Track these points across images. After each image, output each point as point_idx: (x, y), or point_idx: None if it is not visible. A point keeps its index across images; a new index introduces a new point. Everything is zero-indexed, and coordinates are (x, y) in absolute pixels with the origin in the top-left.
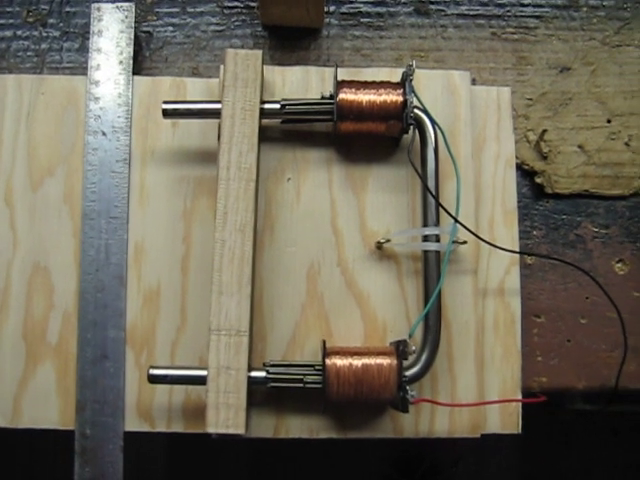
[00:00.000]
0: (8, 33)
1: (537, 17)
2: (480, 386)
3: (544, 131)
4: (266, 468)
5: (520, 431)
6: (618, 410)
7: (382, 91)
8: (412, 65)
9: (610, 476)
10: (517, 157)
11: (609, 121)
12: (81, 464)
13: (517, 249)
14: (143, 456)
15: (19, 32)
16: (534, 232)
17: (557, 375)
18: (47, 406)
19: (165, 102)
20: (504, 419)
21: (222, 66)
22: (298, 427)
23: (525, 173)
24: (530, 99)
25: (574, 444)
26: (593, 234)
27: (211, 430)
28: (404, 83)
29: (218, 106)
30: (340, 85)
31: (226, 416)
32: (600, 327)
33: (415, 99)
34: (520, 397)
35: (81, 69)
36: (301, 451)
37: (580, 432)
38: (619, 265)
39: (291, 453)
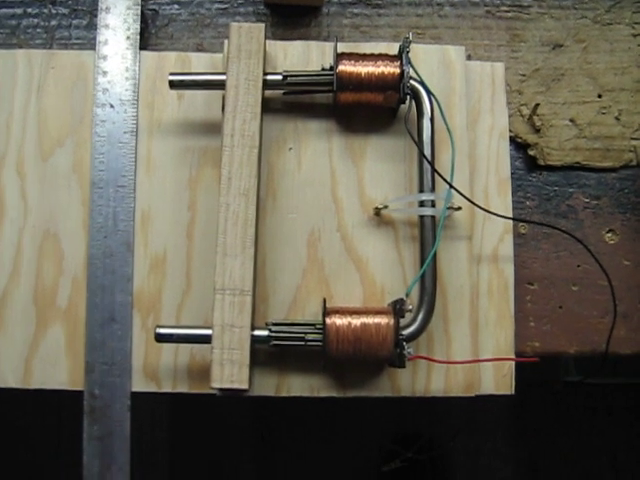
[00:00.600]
0: (18, 10)
1: None
2: (475, 348)
3: (537, 105)
4: (270, 449)
5: (513, 392)
6: (611, 382)
7: (380, 63)
8: (409, 37)
9: (605, 455)
10: (511, 130)
11: (600, 96)
12: (90, 423)
13: (509, 216)
14: (145, 419)
15: (29, 9)
16: (527, 203)
17: (549, 340)
18: (57, 367)
19: (172, 74)
20: (498, 380)
21: (226, 40)
22: (299, 386)
23: (518, 146)
24: (523, 75)
25: (569, 423)
26: (584, 205)
27: (216, 385)
28: (401, 55)
29: (223, 77)
30: (340, 57)
31: (230, 372)
32: (591, 294)
33: (412, 70)
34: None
35: (89, 45)
36: (303, 431)
37: (575, 411)
38: (609, 235)
39: (295, 435)
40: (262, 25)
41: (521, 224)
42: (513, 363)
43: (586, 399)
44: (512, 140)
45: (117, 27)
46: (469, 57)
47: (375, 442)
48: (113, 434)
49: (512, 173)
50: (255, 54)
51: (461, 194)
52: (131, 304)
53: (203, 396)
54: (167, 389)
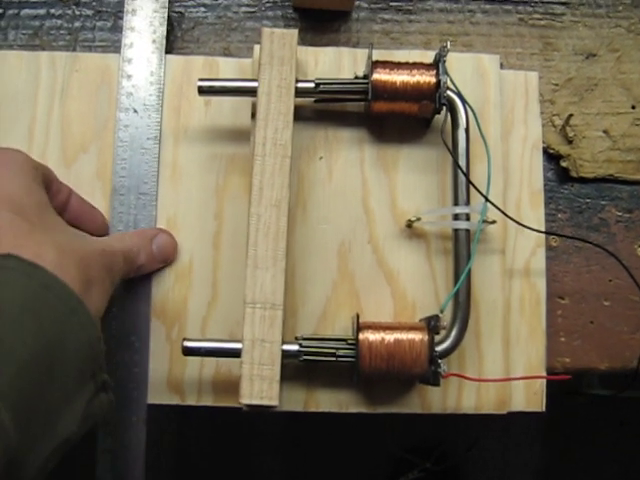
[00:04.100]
0: (42, 11)
1: (563, 4)
2: (506, 364)
3: (570, 116)
4: (282, 461)
5: (544, 409)
6: (633, 396)
7: (415, 72)
8: (446, 46)
9: (616, 466)
10: (543, 141)
11: (634, 107)
12: (104, 436)
13: (543, 230)
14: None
15: (52, 10)
16: (559, 215)
17: (580, 356)
18: None
19: (201, 79)
20: (529, 397)
21: (257, 45)
22: (328, 401)
23: (550, 157)
24: (556, 84)
25: (582, 434)
26: (617, 218)
27: (245, 401)
28: (437, 64)
29: (254, 84)
30: (374, 65)
31: (260, 388)
32: (623, 309)
33: (448, 80)
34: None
35: (113, 48)
36: (318, 441)
37: (588, 422)
38: None
39: (310, 445)
40: (295, 31)
41: (552, 237)
42: (544, 380)
43: (598, 410)
44: (544, 151)
45: (143, 30)
46: (501, 65)
47: (392, 453)
48: (127, 447)
49: (544, 185)
50: (288, 61)
51: (497, 208)
52: (149, 316)
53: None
54: (191, 402)
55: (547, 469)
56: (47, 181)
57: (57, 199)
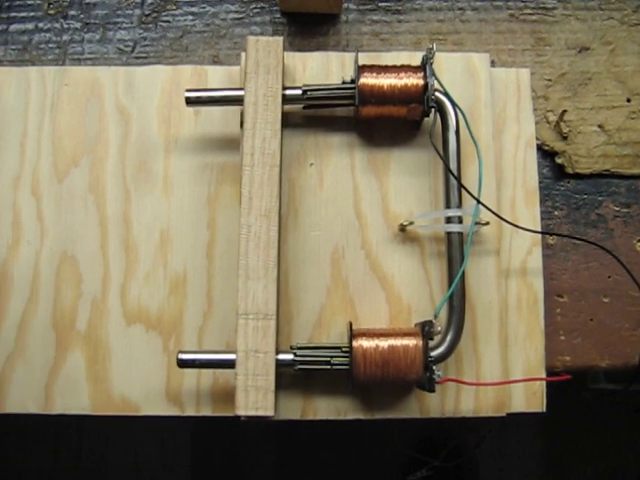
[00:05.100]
0: (30, 26)
1: None
2: (504, 366)
3: (564, 111)
4: (290, 447)
5: (544, 410)
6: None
7: (403, 75)
8: (432, 48)
9: (632, 455)
10: (537, 138)
11: (629, 100)
12: None
13: (539, 229)
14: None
15: (40, 24)
16: (555, 212)
17: (580, 354)
18: (78, 392)
19: (188, 90)
20: (529, 398)
21: (243, 53)
22: (325, 409)
23: (545, 154)
24: (549, 80)
25: (596, 424)
26: (614, 213)
27: (241, 413)
28: (424, 66)
29: (240, 93)
30: (361, 70)
31: (255, 398)
32: (622, 305)
33: (436, 82)
34: (544, 376)
35: (102, 59)
36: (325, 435)
37: (602, 412)
38: None
39: (314, 440)
40: (280, 38)
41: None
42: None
43: (610, 399)
44: (539, 148)
45: None
46: (492, 63)
47: (401, 451)
48: None
49: (539, 182)
50: (273, 69)
51: (490, 210)
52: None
53: (226, 419)
54: (190, 412)
55: (559, 458)
56: None
57: None
